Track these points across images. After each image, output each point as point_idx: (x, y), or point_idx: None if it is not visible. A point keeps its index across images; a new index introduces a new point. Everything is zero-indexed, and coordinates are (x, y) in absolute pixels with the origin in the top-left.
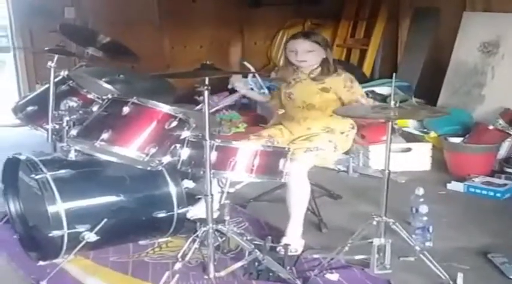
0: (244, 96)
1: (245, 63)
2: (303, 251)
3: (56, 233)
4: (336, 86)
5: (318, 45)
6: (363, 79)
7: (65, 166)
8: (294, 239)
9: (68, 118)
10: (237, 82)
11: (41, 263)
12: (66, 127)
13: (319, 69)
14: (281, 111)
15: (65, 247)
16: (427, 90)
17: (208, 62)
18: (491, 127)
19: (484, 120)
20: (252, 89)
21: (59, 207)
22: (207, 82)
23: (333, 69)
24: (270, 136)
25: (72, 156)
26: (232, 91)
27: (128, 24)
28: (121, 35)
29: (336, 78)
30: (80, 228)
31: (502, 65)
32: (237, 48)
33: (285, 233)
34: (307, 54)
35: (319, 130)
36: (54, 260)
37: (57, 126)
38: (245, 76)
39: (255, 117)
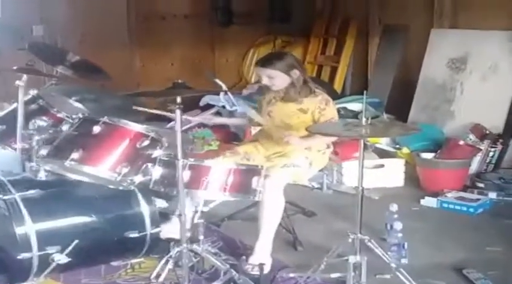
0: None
1: (216, 80)
2: (278, 270)
3: (24, 255)
4: (312, 107)
5: (277, 71)
6: (334, 96)
7: (34, 187)
8: (263, 257)
9: (37, 137)
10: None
11: None
12: (36, 147)
13: (287, 90)
14: (256, 129)
15: (34, 270)
16: (398, 106)
17: (180, 81)
18: (462, 142)
19: (455, 136)
20: (223, 107)
21: (28, 228)
22: (179, 101)
23: (306, 90)
24: (245, 153)
25: (41, 175)
26: (205, 108)
27: (97, 42)
28: (91, 53)
29: (312, 99)
30: (50, 250)
31: (470, 80)
32: (208, 66)
33: (253, 252)
34: (270, 80)
35: (294, 147)
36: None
37: (26, 146)
38: (217, 93)
39: (228, 134)
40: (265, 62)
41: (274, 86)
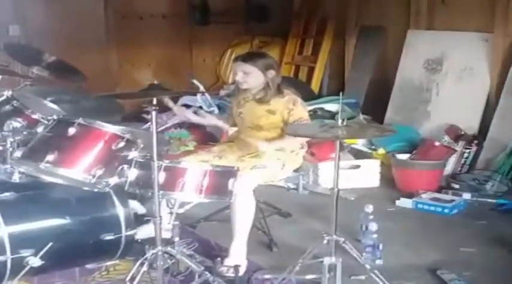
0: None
1: (194, 81)
2: (253, 272)
3: None
4: (280, 108)
5: (255, 68)
6: (311, 96)
7: (8, 189)
8: (238, 259)
9: (11, 139)
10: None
11: None
12: (10, 149)
13: (262, 91)
14: (233, 129)
15: (8, 273)
16: (374, 106)
17: (156, 82)
18: (437, 143)
19: (431, 136)
20: (201, 107)
21: (2, 231)
22: (154, 102)
23: (276, 91)
24: (219, 152)
25: (16, 178)
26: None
27: (74, 42)
28: (67, 53)
29: (279, 100)
30: (24, 253)
31: (446, 81)
32: (185, 66)
33: (228, 254)
34: (244, 76)
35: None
36: None
37: (0, 148)
38: (194, 94)
39: (205, 135)
40: (246, 56)
41: (245, 83)
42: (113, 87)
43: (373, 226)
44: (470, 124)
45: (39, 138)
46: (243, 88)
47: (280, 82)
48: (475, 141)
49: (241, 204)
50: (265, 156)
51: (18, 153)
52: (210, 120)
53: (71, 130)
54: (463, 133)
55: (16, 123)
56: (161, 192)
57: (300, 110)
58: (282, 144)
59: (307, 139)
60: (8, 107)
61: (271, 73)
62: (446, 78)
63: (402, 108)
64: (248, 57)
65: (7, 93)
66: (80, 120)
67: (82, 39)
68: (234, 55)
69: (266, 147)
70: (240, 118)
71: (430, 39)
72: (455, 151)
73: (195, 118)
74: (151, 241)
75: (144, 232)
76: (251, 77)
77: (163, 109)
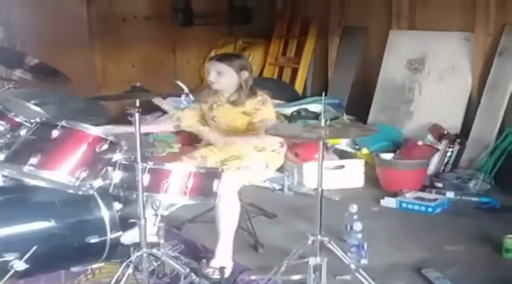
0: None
1: (178, 82)
2: (239, 273)
3: None
4: (250, 108)
5: (230, 68)
6: (295, 97)
7: None
8: (224, 260)
9: None
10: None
11: None
12: None
13: (236, 93)
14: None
15: None
16: (358, 106)
17: (138, 84)
18: (420, 143)
19: (414, 136)
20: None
21: None
22: (137, 104)
23: (249, 92)
24: (202, 157)
25: None
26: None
27: (57, 44)
28: (51, 55)
29: (252, 101)
30: (8, 256)
31: (428, 81)
32: (169, 67)
33: (213, 255)
34: (218, 76)
35: (249, 149)
36: None
37: None
38: (178, 95)
39: (189, 136)
40: (222, 56)
41: (217, 84)
42: (96, 89)
43: (358, 226)
44: (452, 123)
45: (22, 141)
46: (214, 88)
47: (252, 84)
48: (458, 140)
49: (226, 205)
50: (247, 157)
51: (1, 156)
52: (162, 127)
53: (54, 133)
54: (446, 132)
55: None
56: (145, 194)
57: (267, 111)
58: (238, 140)
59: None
60: None
61: (245, 74)
62: (428, 77)
63: (385, 108)
64: (224, 57)
65: None
66: (63, 123)
67: (65, 41)
68: None
69: (218, 139)
70: (213, 122)
71: (412, 39)
72: (438, 150)
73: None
74: (136, 244)
75: (128, 237)
76: (225, 77)
77: (147, 111)
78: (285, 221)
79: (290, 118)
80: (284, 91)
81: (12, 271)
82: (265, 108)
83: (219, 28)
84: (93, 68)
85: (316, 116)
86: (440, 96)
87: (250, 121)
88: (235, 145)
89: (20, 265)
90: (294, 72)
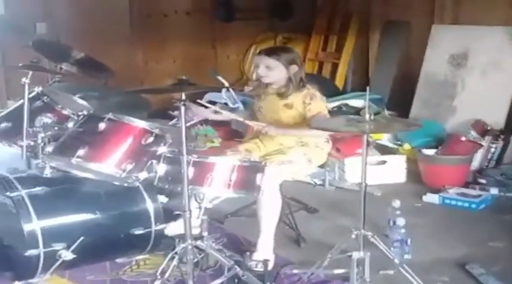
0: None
1: (219, 77)
2: (281, 267)
3: (31, 252)
4: (297, 102)
5: (278, 62)
6: (335, 93)
7: (40, 184)
8: (266, 254)
9: (42, 134)
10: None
11: (17, 283)
12: (41, 144)
13: (285, 86)
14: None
15: (41, 266)
16: (399, 102)
17: (184, 77)
18: (463, 138)
19: (456, 132)
20: (226, 104)
21: (35, 225)
22: (183, 97)
23: (298, 86)
24: (247, 151)
25: (47, 173)
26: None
27: (100, 39)
28: (93, 50)
29: (297, 94)
30: (56, 246)
31: (471, 76)
32: (209, 62)
33: (256, 249)
34: (267, 70)
35: (292, 143)
36: (30, 280)
37: (32, 143)
38: (219, 90)
39: (230, 131)
40: (270, 51)
41: (267, 78)
42: (138, 84)
43: (401, 221)
44: (496, 119)
45: (70, 133)
46: (265, 82)
47: (304, 78)
48: (502, 136)
49: (268, 199)
50: (290, 152)
51: (49, 148)
52: (228, 115)
53: (101, 126)
54: (489, 128)
55: (47, 119)
56: (190, 186)
57: (318, 104)
58: (293, 132)
59: (328, 133)
60: (38, 103)
61: (294, 68)
62: (471, 72)
63: (427, 104)
64: (272, 52)
65: (37, 89)
66: (110, 115)
67: (107, 36)
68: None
69: (274, 131)
70: (260, 113)
71: (455, 34)
72: (482, 146)
73: (213, 116)
74: (180, 236)
75: (173, 229)
76: (274, 72)
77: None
78: (326, 216)
79: (331, 114)
80: (324, 87)
81: (60, 260)
82: (315, 103)
83: (259, 23)
84: (134, 63)
85: (357, 111)
86: (484, 91)
87: (305, 117)
88: (280, 138)
89: (67, 255)
90: (334, 67)
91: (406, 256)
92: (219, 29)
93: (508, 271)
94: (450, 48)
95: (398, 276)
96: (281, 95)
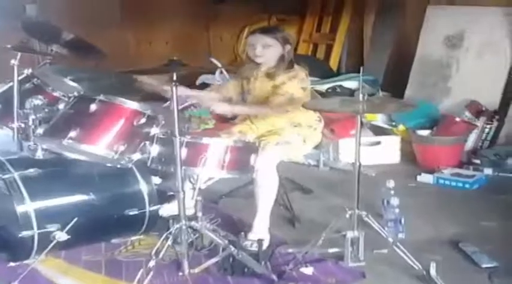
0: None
1: (212, 59)
2: (276, 246)
3: (26, 233)
4: (282, 82)
5: (275, 41)
6: (330, 74)
7: (33, 165)
8: (261, 233)
9: (33, 116)
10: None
11: (12, 264)
12: (32, 126)
13: (275, 66)
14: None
15: (35, 248)
16: (394, 83)
17: (175, 58)
18: (458, 119)
19: (451, 112)
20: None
21: (28, 206)
22: (175, 78)
23: (287, 66)
24: (241, 133)
25: (39, 154)
26: (201, 87)
27: (90, 21)
28: (83, 32)
29: (284, 75)
30: (51, 228)
31: (466, 57)
32: (202, 44)
33: (251, 228)
34: (264, 49)
35: (283, 124)
36: (25, 261)
37: (23, 125)
38: (213, 72)
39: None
40: (266, 30)
41: (262, 57)
42: (130, 66)
43: (395, 201)
44: (491, 100)
45: (61, 115)
46: (259, 62)
47: (293, 59)
48: (496, 117)
49: (265, 179)
50: (283, 133)
51: (40, 130)
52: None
53: (92, 107)
54: (484, 109)
55: (37, 101)
56: (183, 167)
57: (292, 86)
58: (250, 111)
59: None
60: (28, 85)
61: (288, 47)
62: (466, 53)
63: (422, 85)
64: (268, 30)
65: (27, 71)
66: (101, 97)
67: (98, 17)
68: None
69: (223, 108)
70: (249, 96)
71: (450, 15)
72: (476, 126)
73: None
74: (175, 217)
75: (167, 210)
76: (270, 50)
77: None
78: (320, 197)
79: (325, 95)
80: (318, 68)
81: (55, 241)
82: (291, 83)
83: (252, 4)
84: (126, 44)
85: (351, 93)
86: (479, 72)
87: (275, 92)
88: (271, 119)
89: (61, 236)
90: (329, 48)
91: (400, 235)
92: (211, 10)
93: (501, 249)
94: (445, 29)
95: (392, 255)
96: (270, 76)
